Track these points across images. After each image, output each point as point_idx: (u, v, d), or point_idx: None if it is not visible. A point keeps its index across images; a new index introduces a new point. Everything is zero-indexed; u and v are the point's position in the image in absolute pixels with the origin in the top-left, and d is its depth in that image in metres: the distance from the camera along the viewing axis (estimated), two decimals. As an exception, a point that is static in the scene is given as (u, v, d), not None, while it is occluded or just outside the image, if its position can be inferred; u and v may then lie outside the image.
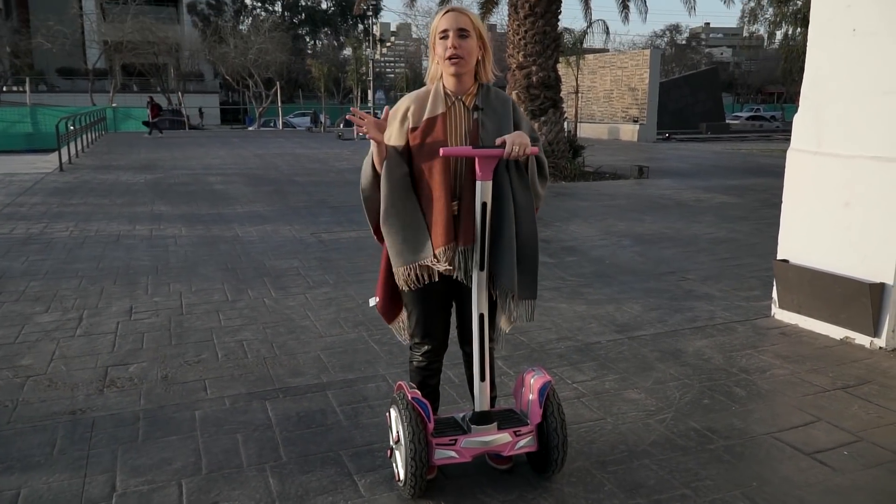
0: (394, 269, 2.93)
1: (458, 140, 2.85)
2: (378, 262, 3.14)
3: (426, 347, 3.09)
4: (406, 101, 2.93)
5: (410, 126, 2.87)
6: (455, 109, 2.88)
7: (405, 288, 2.96)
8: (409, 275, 2.90)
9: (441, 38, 2.80)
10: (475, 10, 20.65)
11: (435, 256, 2.85)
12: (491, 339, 3.07)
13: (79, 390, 4.07)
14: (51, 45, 44.94)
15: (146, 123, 31.49)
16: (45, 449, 3.39)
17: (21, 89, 43.28)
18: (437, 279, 2.92)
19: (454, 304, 3.11)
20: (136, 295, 6.03)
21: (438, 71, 2.90)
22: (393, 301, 3.14)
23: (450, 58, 2.79)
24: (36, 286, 6.29)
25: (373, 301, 3.17)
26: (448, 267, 2.85)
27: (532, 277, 2.91)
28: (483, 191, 2.73)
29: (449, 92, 2.89)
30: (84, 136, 22.34)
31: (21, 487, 3.06)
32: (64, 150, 17.18)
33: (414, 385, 3.10)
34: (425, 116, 2.86)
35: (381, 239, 3.01)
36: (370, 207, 2.96)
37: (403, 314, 3.16)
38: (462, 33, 2.78)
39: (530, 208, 2.89)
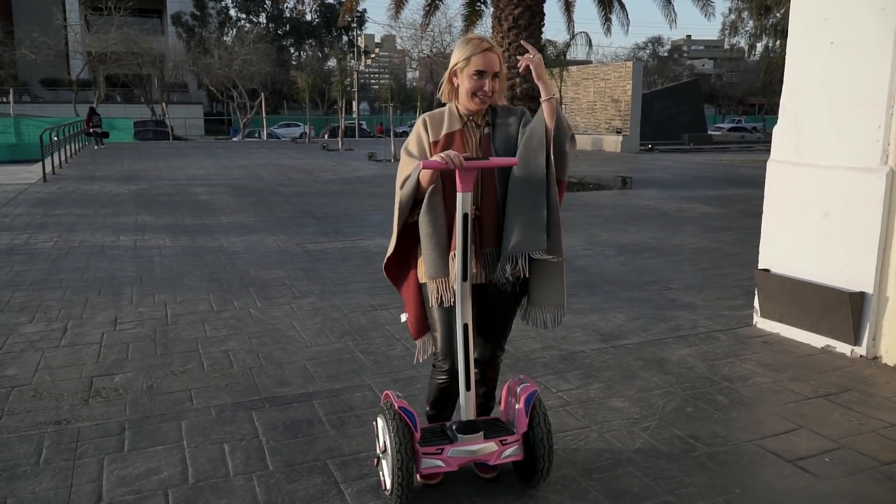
0: (429, 282, 2.97)
1: (472, 152, 3.00)
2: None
3: (447, 366, 3.10)
4: (423, 119, 3.08)
5: (431, 140, 3.01)
6: (469, 127, 3.05)
7: (435, 304, 3.00)
8: (441, 287, 2.95)
9: (474, 76, 2.93)
10: (459, 23, 20.80)
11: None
12: (502, 349, 3.25)
13: (64, 400, 4.06)
14: (34, 56, 44.75)
15: (93, 134, 30.63)
16: (30, 459, 3.38)
17: (5, 100, 43.00)
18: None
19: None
20: (120, 305, 6.02)
21: (454, 93, 3.04)
22: (421, 319, 3.17)
23: (482, 98, 2.96)
24: (20, 297, 6.26)
25: (404, 317, 3.21)
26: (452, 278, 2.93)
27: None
28: (464, 202, 2.79)
29: (462, 113, 3.05)
30: (68, 147, 22.25)
31: (7, 497, 3.06)
32: (48, 161, 17.12)
33: (402, 395, 3.12)
34: (444, 132, 3.01)
35: (389, 271, 3.13)
36: (401, 223, 3.03)
37: (427, 336, 3.19)
38: (496, 76, 2.96)
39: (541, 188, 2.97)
